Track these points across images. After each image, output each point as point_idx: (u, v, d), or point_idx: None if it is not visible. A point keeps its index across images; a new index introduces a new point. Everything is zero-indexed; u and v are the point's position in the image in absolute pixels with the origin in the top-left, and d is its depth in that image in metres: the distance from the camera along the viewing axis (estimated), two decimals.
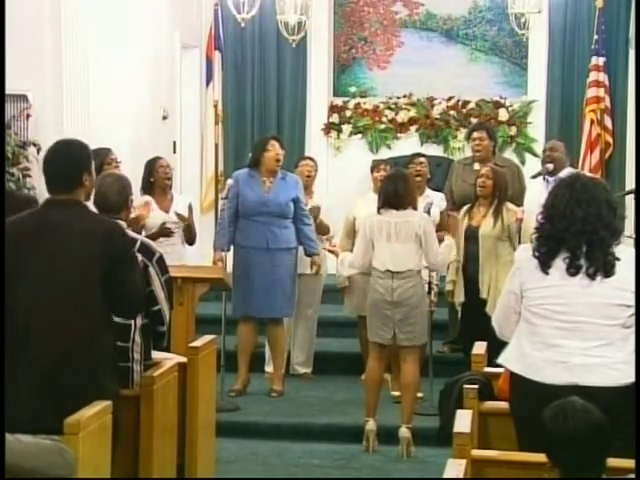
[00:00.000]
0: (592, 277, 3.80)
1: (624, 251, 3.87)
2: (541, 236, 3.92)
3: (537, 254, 3.89)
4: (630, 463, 3.33)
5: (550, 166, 7.90)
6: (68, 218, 4.05)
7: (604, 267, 3.80)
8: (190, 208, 7.59)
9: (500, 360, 4.03)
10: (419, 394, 7.22)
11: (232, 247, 7.49)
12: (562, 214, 3.86)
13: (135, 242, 4.58)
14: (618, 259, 3.81)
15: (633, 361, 3.76)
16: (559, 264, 3.84)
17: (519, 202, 7.45)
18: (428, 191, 7.52)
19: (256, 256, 7.34)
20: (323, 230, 7.82)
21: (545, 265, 3.86)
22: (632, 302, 3.80)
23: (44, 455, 3.06)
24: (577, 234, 3.83)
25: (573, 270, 3.82)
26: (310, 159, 8.30)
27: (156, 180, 7.42)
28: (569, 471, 3.08)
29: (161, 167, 7.45)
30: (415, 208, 6.47)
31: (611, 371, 3.75)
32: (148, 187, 7.41)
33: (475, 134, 8.01)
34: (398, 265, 6.39)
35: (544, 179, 7.59)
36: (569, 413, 3.11)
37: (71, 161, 4.12)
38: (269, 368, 7.80)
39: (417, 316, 6.43)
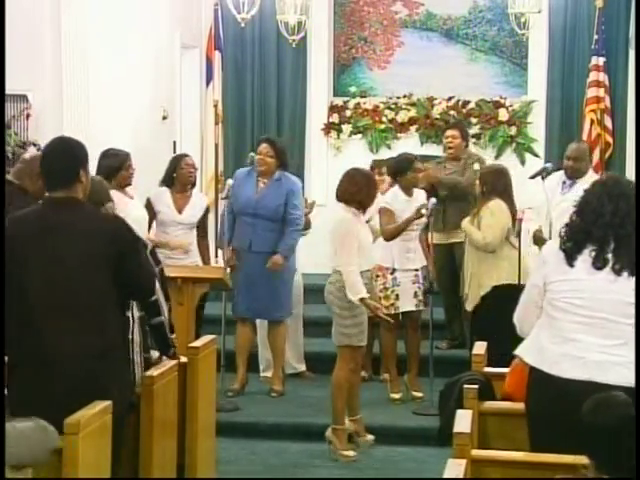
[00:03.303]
0: (618, 273, 3.78)
1: None
2: (569, 230, 3.91)
3: (564, 247, 3.88)
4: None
5: (549, 165, 7.90)
6: (72, 217, 4.07)
7: (631, 264, 3.77)
8: (207, 210, 7.64)
9: (517, 351, 4.02)
10: (419, 394, 7.22)
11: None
12: (593, 208, 3.87)
13: None
14: None
15: None
16: (585, 258, 3.83)
17: (472, 191, 7.52)
18: (416, 191, 7.47)
19: (242, 257, 7.34)
20: (306, 225, 7.83)
21: (571, 258, 3.84)
22: None
23: (22, 441, 3.10)
24: (605, 227, 3.82)
25: (599, 264, 3.80)
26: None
27: (178, 176, 7.42)
28: (605, 465, 3.02)
29: (186, 165, 7.46)
30: (350, 204, 6.27)
31: (627, 371, 3.71)
32: (169, 182, 7.42)
33: (448, 132, 8.32)
34: (330, 262, 6.35)
35: (543, 178, 7.56)
36: (612, 405, 3.07)
37: (68, 157, 4.14)
38: (266, 373, 7.79)
39: (333, 317, 6.33)
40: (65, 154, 4.15)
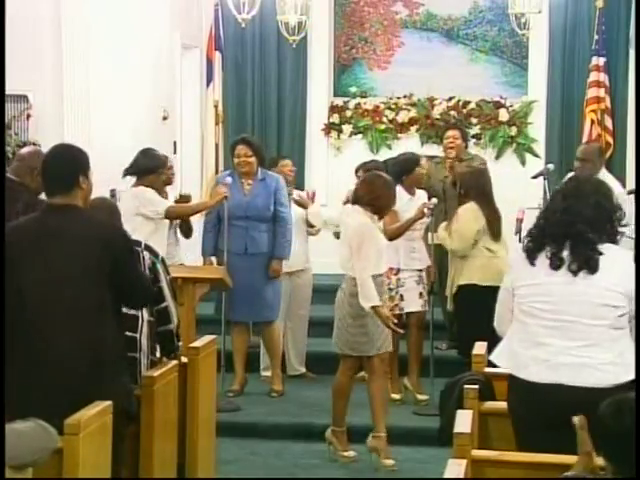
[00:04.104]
0: (575, 273, 3.79)
1: (617, 251, 3.84)
2: (530, 230, 3.97)
3: (525, 247, 3.93)
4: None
5: (551, 166, 7.90)
6: (68, 224, 4.07)
7: (587, 263, 3.77)
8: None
9: (492, 357, 4.08)
10: (424, 397, 7.20)
11: (216, 252, 7.47)
12: (548, 207, 3.95)
13: (140, 243, 4.68)
14: (601, 253, 3.78)
15: (623, 363, 3.74)
16: (544, 260, 3.85)
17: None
18: (418, 192, 7.47)
19: (236, 261, 7.24)
20: (312, 222, 7.84)
21: (530, 257, 3.88)
22: (620, 303, 3.76)
23: (23, 441, 3.11)
24: (556, 224, 3.85)
25: (555, 264, 3.82)
26: (288, 158, 8.25)
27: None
28: (626, 468, 2.99)
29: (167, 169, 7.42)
30: (367, 208, 6.12)
31: (596, 372, 3.73)
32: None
33: (449, 132, 8.20)
34: (340, 266, 6.24)
35: (544, 179, 7.57)
36: (633, 408, 3.03)
37: (67, 163, 4.15)
38: (266, 372, 7.79)
39: (337, 323, 6.21)
40: (65, 160, 4.16)
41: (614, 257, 3.81)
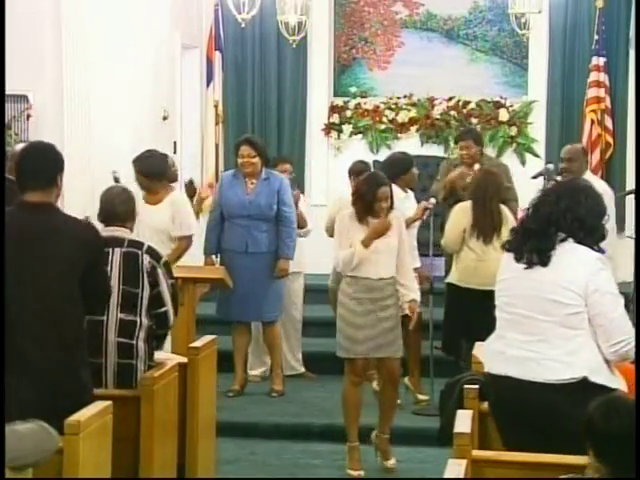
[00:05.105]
0: (529, 265, 3.85)
1: (578, 251, 3.85)
2: (512, 228, 4.20)
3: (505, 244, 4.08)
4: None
5: (551, 166, 7.89)
6: (46, 223, 4.03)
7: (539, 256, 3.83)
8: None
9: (476, 351, 4.26)
10: (424, 397, 7.17)
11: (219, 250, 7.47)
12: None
13: (142, 245, 4.69)
14: (555, 247, 3.82)
15: (572, 362, 3.76)
16: (511, 254, 3.96)
17: (511, 198, 7.45)
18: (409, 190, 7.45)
19: (237, 260, 7.28)
20: (299, 223, 7.76)
21: (508, 251, 3.98)
22: (572, 301, 3.78)
23: (24, 443, 3.11)
24: (527, 221, 3.96)
25: (517, 256, 3.90)
26: (287, 161, 8.19)
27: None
28: (618, 469, 3.00)
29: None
30: (353, 206, 5.97)
31: (538, 367, 3.80)
32: None
33: (462, 143, 7.88)
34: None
35: (545, 179, 7.56)
36: (622, 410, 3.03)
37: (48, 160, 4.12)
38: (253, 371, 7.80)
39: None
40: (46, 157, 4.13)
41: (573, 255, 3.83)
